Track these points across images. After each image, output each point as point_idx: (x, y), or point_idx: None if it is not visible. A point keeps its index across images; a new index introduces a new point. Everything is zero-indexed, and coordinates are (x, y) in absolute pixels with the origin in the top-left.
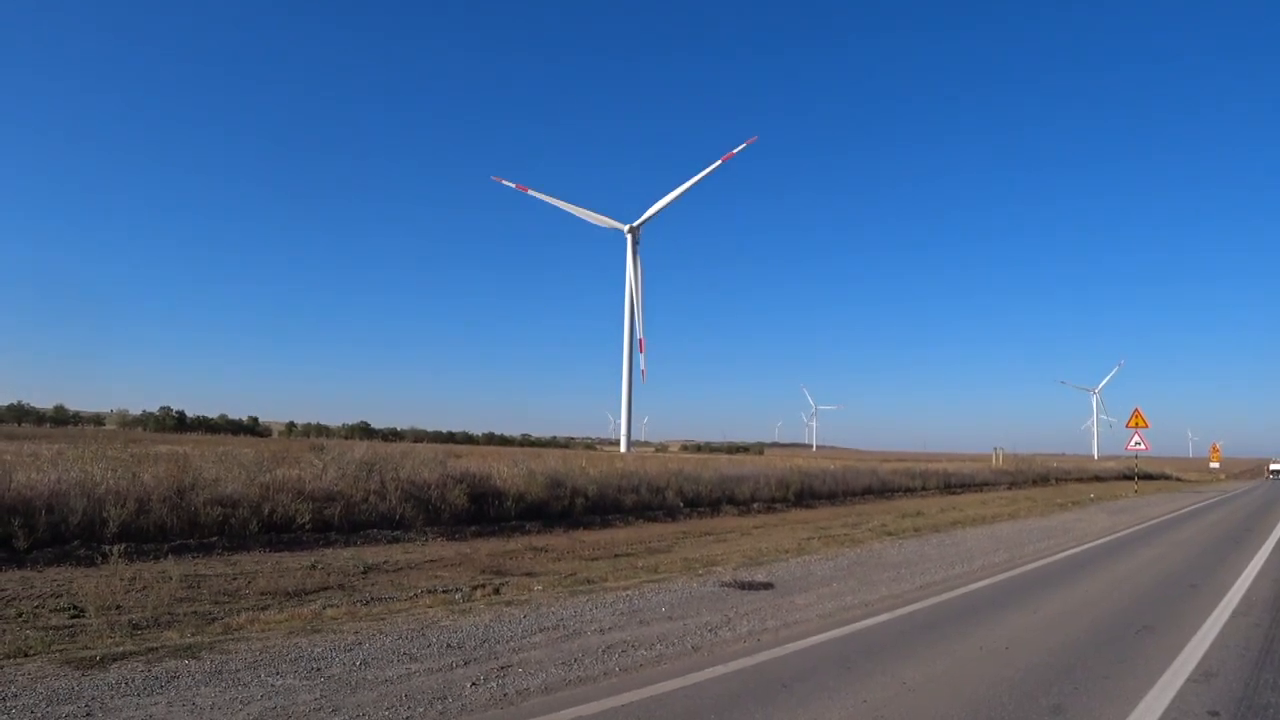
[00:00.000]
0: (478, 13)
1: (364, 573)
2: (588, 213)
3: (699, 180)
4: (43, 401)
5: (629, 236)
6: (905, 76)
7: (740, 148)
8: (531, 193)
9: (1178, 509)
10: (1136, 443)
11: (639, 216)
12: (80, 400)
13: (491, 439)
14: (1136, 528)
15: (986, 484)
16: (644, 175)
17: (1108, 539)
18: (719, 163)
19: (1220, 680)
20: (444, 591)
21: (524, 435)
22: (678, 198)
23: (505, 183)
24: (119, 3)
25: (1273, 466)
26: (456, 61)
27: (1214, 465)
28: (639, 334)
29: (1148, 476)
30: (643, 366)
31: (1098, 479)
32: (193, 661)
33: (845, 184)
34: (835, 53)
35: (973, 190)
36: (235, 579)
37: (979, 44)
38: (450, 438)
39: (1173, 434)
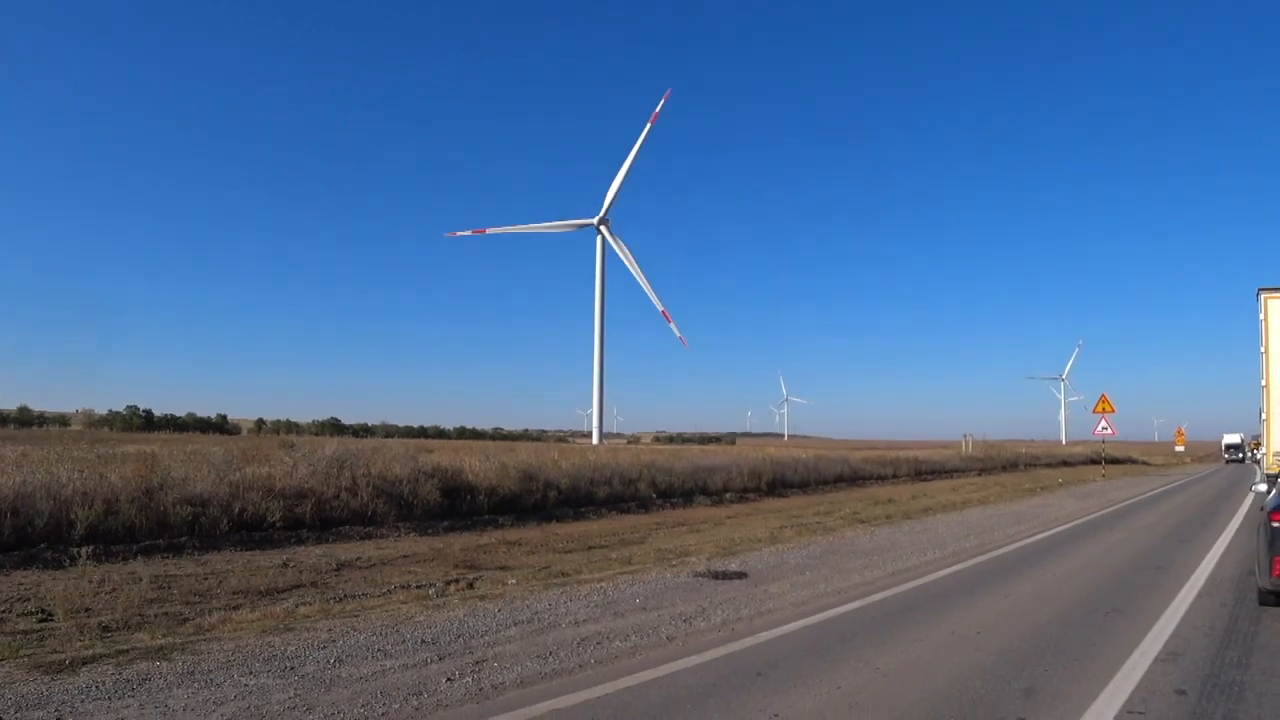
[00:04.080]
0: (452, 9)
1: (336, 570)
2: (553, 225)
3: (638, 149)
4: (6, 402)
5: (601, 229)
6: (874, 69)
7: (660, 104)
8: (490, 232)
9: (1144, 492)
10: (1103, 428)
11: (616, 217)
12: (45, 401)
13: (463, 433)
14: (1104, 511)
15: (957, 470)
16: (612, 170)
17: (1076, 523)
18: (649, 126)
19: (1187, 659)
20: (418, 587)
21: (496, 429)
22: (627, 173)
23: (461, 234)
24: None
25: (1227, 441)
26: (427, 57)
27: (1179, 449)
28: (659, 307)
29: (1114, 461)
30: (679, 334)
31: (1066, 464)
32: (164, 663)
33: (814, 174)
34: (807, 45)
35: (940, 179)
36: (206, 579)
37: (942, 35)
38: (422, 432)
39: (1139, 419)
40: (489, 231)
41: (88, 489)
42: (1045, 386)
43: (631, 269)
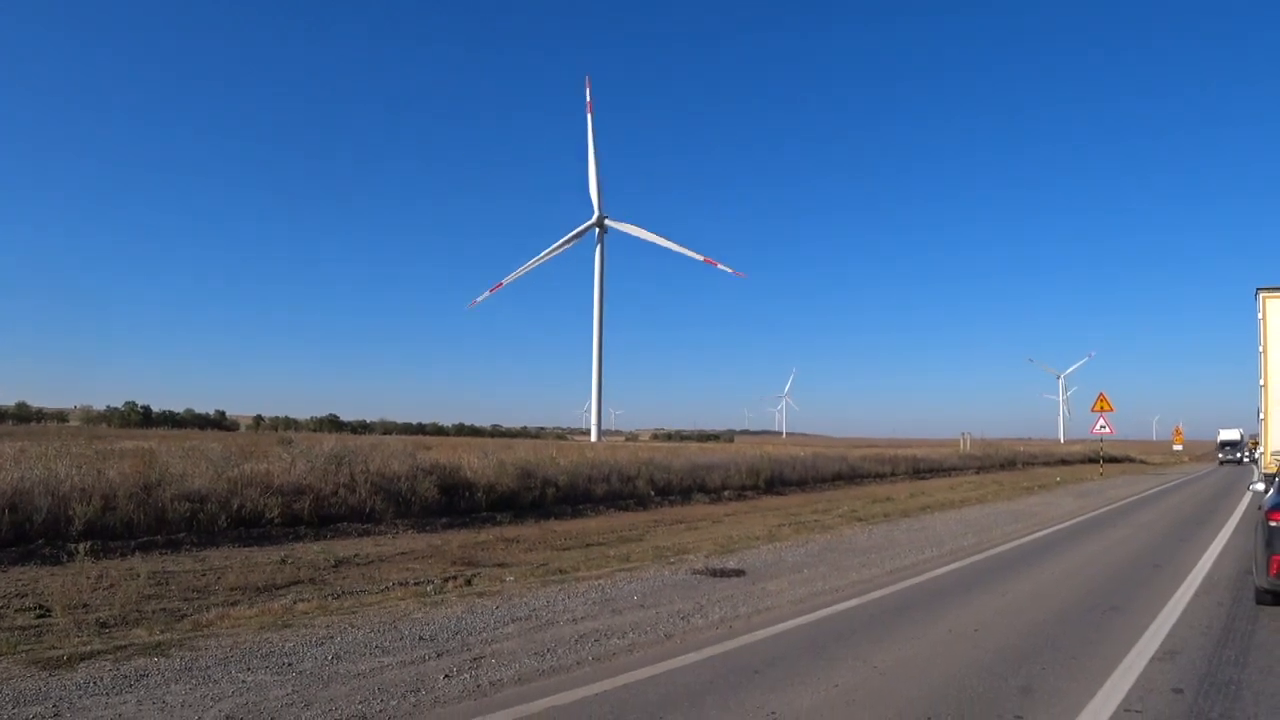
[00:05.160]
0: (453, 8)
1: (335, 566)
2: (560, 245)
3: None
4: (4, 398)
5: (601, 225)
6: (874, 67)
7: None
8: (506, 282)
9: (1142, 491)
10: (1101, 426)
11: (611, 211)
12: (43, 397)
13: (462, 430)
14: (1102, 510)
15: (955, 469)
16: (610, 159)
17: (1074, 521)
18: (701, 258)
19: (1184, 658)
20: (416, 584)
21: (494, 426)
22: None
23: (481, 299)
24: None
25: (1223, 437)
26: (428, 55)
27: (1177, 448)
28: (699, 256)
29: (1113, 460)
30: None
31: (1064, 463)
32: (162, 659)
33: (813, 173)
34: (807, 43)
35: (940, 178)
36: (204, 575)
37: (941, 34)
38: (420, 429)
39: (1137, 417)
40: (505, 283)
41: (86, 485)
42: (1044, 384)
43: (651, 239)
